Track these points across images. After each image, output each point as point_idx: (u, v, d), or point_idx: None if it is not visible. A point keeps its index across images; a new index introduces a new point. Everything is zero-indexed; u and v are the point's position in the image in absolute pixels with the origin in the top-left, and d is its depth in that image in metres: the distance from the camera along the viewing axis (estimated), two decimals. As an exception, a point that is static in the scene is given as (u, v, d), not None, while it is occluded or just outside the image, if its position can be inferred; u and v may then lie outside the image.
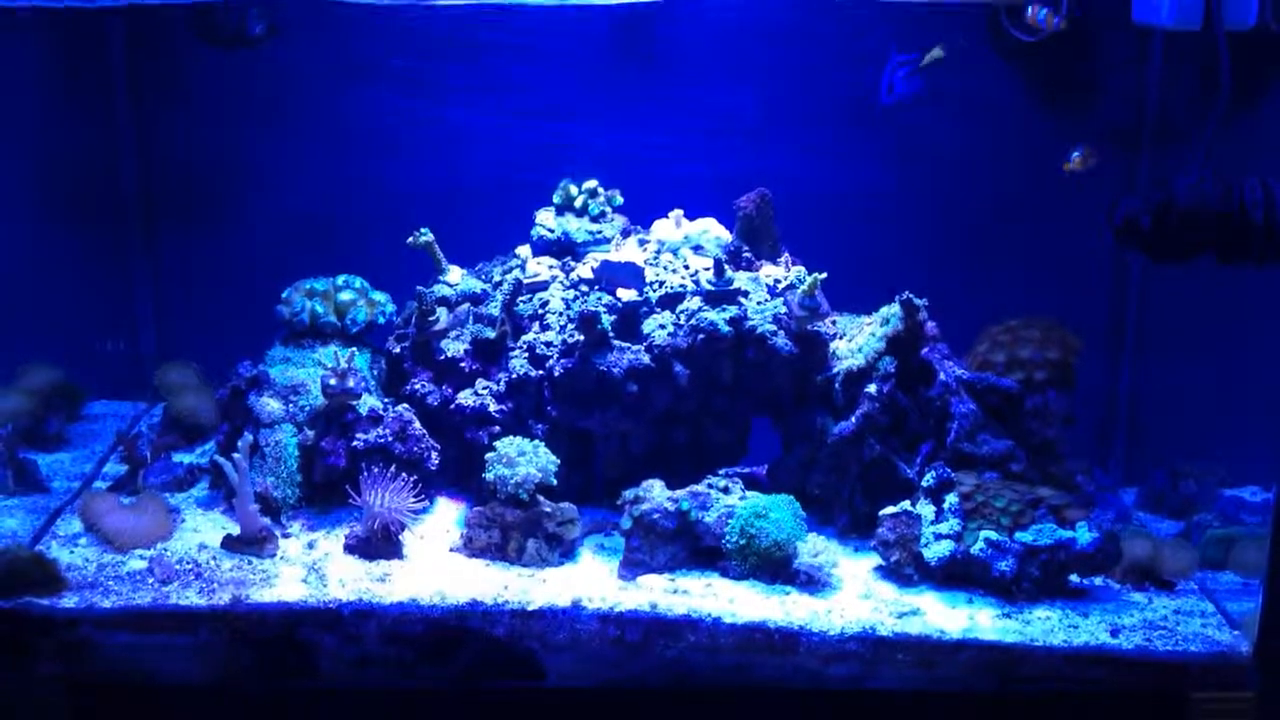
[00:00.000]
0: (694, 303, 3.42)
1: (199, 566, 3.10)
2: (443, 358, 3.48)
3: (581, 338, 3.37)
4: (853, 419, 3.32)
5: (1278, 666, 2.90)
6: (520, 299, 3.55)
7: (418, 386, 3.46)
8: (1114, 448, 3.97)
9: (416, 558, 3.19)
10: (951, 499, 3.15)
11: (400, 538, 3.19)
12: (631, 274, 3.47)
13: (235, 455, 3.20)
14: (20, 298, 3.98)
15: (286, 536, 3.25)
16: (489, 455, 3.22)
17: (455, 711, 3.06)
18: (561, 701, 3.01)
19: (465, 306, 3.57)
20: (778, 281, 3.51)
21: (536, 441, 3.26)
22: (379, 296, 3.71)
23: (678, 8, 3.76)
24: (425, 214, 3.68)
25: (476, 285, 3.63)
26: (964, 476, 3.21)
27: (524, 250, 3.70)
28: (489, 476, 3.19)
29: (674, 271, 3.53)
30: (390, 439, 3.32)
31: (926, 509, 3.17)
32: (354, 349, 3.43)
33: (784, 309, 3.41)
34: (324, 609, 2.95)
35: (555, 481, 3.20)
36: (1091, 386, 3.75)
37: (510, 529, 3.18)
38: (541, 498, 3.19)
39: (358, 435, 3.32)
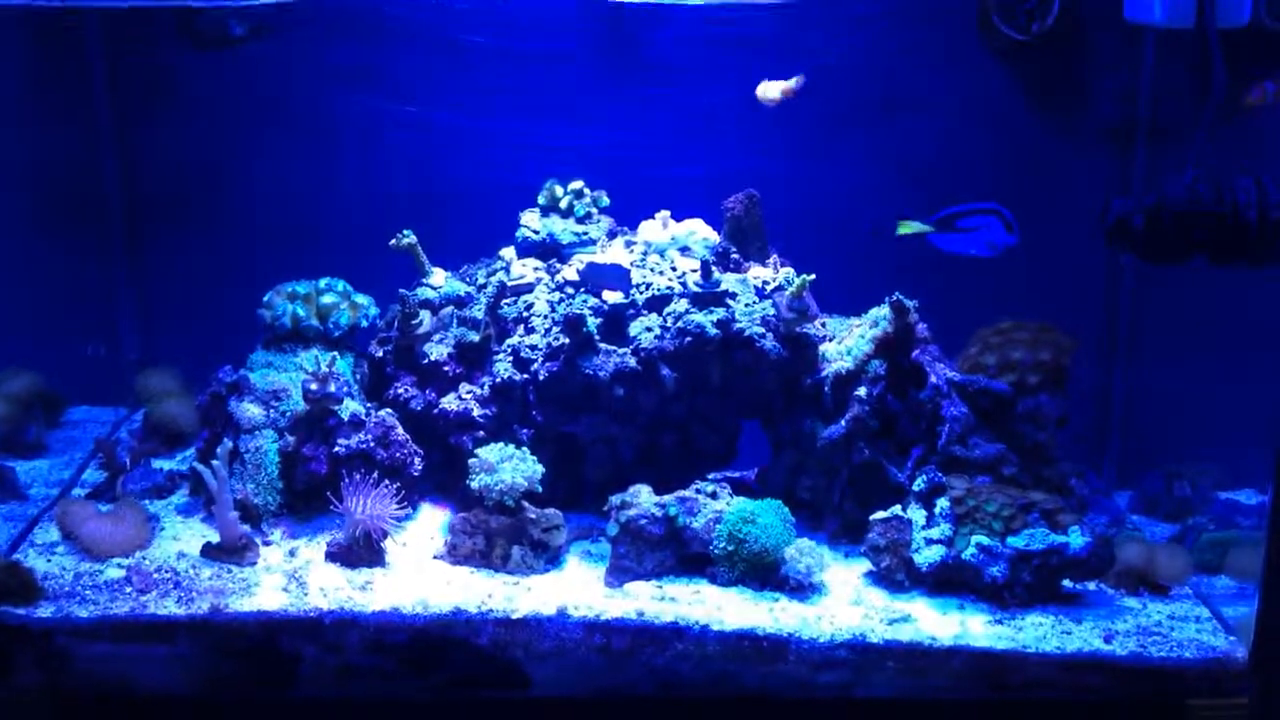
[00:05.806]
0: (681, 305, 3.38)
1: (178, 575, 3.06)
2: (426, 362, 3.44)
3: (567, 341, 3.33)
4: (842, 422, 3.29)
5: (1274, 672, 2.87)
6: (505, 302, 3.51)
7: (401, 391, 3.42)
8: (1107, 450, 3.94)
9: (399, 565, 3.15)
10: (943, 503, 3.12)
11: (383, 545, 3.15)
12: (617, 276, 3.43)
13: (214, 462, 3.17)
14: (-1, 302, 3.95)
15: (267, 544, 3.21)
16: (473, 461, 3.18)
17: (438, 722, 3.02)
18: (547, 711, 2.97)
19: (449, 309, 3.53)
20: (766, 283, 3.48)
21: (521, 448, 3.22)
22: (362, 299, 3.67)
23: (665, 8, 3.73)
24: (408, 216, 3.64)
25: (460, 288, 3.59)
26: (955, 480, 3.17)
27: (508, 252, 3.66)
28: (473, 483, 3.15)
29: (661, 273, 3.49)
30: (372, 444, 3.28)
31: (917, 514, 3.14)
32: (335, 353, 3.39)
33: (772, 311, 3.37)
34: (305, 618, 2.91)
35: (540, 489, 3.16)
36: (1085, 389, 3.72)
37: (495, 536, 3.14)
38: (526, 504, 3.15)
39: (339, 441, 3.28)
